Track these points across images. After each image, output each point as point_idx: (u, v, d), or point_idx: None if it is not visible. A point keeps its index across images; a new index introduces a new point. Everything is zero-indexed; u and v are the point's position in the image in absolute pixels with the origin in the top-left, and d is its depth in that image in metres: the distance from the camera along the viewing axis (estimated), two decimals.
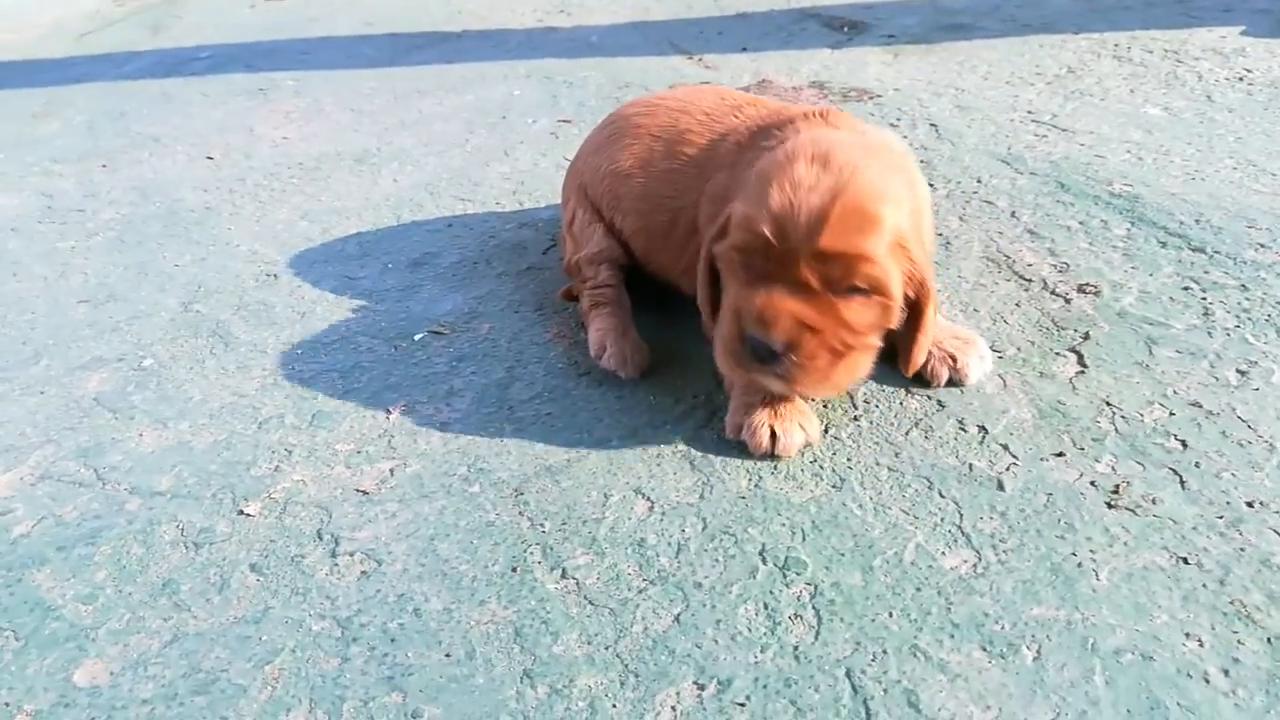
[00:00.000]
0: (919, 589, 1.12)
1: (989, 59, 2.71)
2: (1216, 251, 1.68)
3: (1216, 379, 1.39)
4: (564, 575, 1.18)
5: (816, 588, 1.14)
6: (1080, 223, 1.82)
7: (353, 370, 1.61)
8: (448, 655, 1.09)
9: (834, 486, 1.28)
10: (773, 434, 1.32)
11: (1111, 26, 2.81)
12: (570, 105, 2.78)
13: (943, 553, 1.17)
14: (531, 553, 1.22)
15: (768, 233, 1.23)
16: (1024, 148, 2.16)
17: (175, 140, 2.80)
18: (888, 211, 1.23)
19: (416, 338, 1.69)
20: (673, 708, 1.01)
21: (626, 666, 1.06)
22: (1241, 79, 2.34)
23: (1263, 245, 1.68)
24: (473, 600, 1.16)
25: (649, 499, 1.29)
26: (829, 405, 1.43)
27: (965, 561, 1.16)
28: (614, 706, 1.02)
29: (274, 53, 3.64)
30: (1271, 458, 1.25)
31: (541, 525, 1.26)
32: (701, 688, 1.03)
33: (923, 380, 1.44)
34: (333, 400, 1.54)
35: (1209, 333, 1.48)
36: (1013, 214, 1.89)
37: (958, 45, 2.85)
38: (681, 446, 1.38)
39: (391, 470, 1.38)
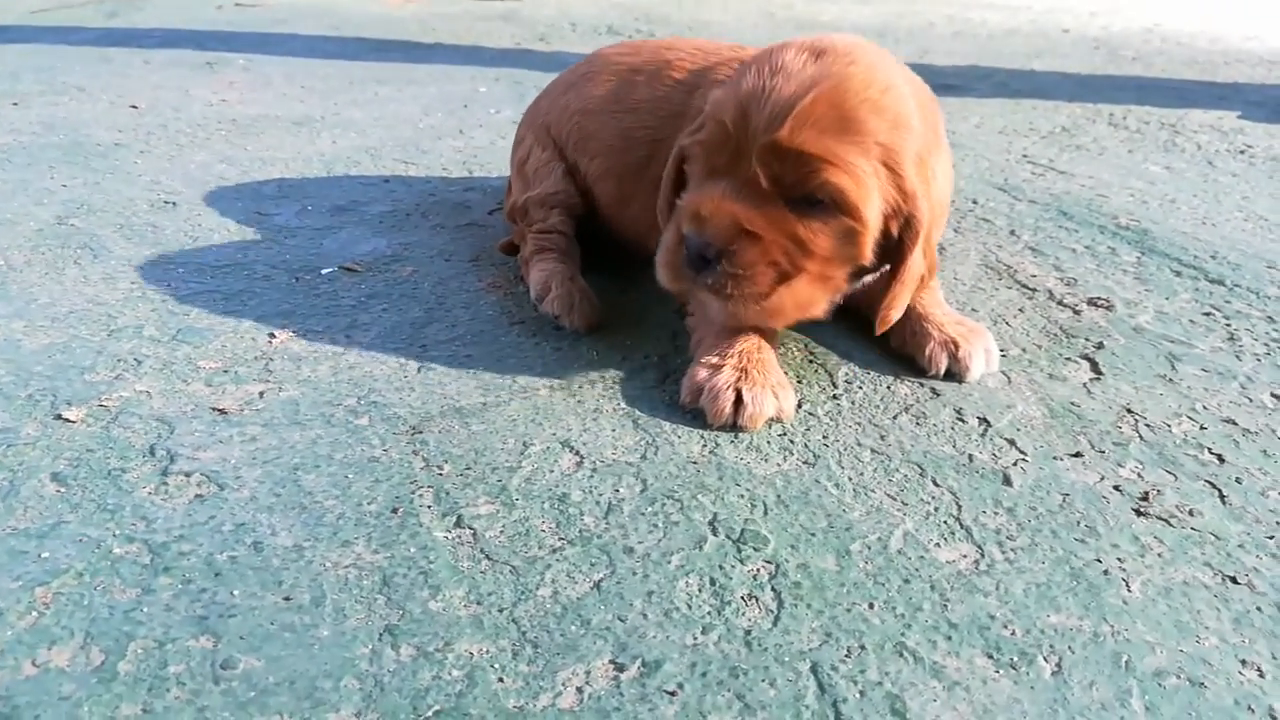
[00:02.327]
0: (907, 580, 0.88)
1: (981, 113, 2.60)
2: (1237, 285, 1.51)
3: (1250, 399, 1.19)
4: (458, 524, 0.92)
5: (778, 567, 0.89)
6: (1086, 247, 1.65)
7: (240, 294, 1.35)
8: (287, 599, 0.82)
9: (805, 462, 1.04)
10: (738, 399, 1.08)
11: (1105, 100, 2.73)
12: None
13: (937, 544, 0.93)
14: (421, 495, 0.95)
15: (727, 120, 1.02)
16: (1021, 181, 2.01)
17: (101, 91, 2.55)
18: (875, 120, 1.02)
19: (325, 272, 1.44)
20: (579, 689, 0.75)
21: (524, 634, 0.80)
22: (1243, 152, 2.24)
23: None
24: (334, 540, 0.89)
25: (578, 453, 1.04)
26: (804, 380, 1.20)
27: (965, 556, 0.92)
28: (500, 680, 0.75)
29: (231, 38, 3.43)
30: None
31: (439, 468, 1.00)
32: (620, 668, 0.77)
33: (916, 367, 1.22)
34: (208, 317, 1.27)
35: (1237, 356, 1.29)
36: (1012, 232, 1.71)
37: (948, 100, 2.74)
38: (624, 405, 1.13)
39: (261, 393, 1.11)
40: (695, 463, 1.03)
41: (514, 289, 1.41)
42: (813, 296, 1.07)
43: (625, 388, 1.17)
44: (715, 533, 0.93)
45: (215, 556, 0.86)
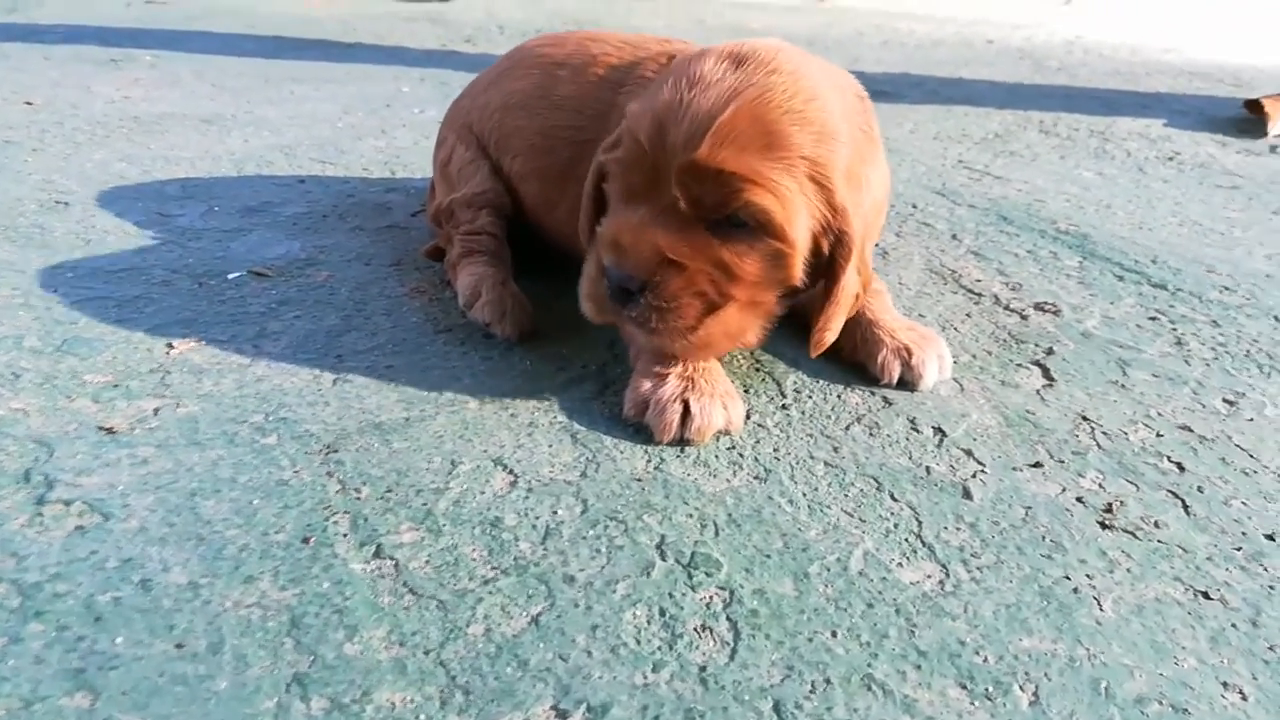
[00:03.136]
0: (870, 605, 0.81)
1: (914, 119, 2.58)
2: (1179, 289, 1.49)
3: (1203, 405, 1.16)
4: (378, 554, 0.83)
5: (733, 594, 0.81)
6: (1028, 251, 1.62)
7: (135, 301, 1.23)
8: (179, 646, 0.71)
9: (756, 478, 0.97)
10: (685, 411, 1.01)
11: (1035, 108, 2.74)
12: None
13: (899, 564, 0.87)
14: (335, 522, 0.86)
15: (643, 138, 0.95)
16: (959, 186, 1.98)
17: None
18: (800, 134, 0.95)
19: (231, 277, 1.32)
20: None
21: (453, 679, 0.71)
22: (1171, 159, 2.26)
23: (1227, 289, 1.50)
24: (235, 575, 0.79)
25: (511, 472, 0.95)
26: (752, 389, 1.13)
27: (929, 577, 0.86)
28: None
29: (139, 35, 3.26)
30: None
31: (356, 491, 0.90)
32: (563, 715, 0.69)
33: (867, 375, 1.17)
34: (98, 326, 1.15)
35: (1186, 360, 1.27)
36: (954, 236, 1.68)
37: (882, 106, 2.72)
38: (561, 418, 1.05)
39: (156, 410, 1.00)
40: (639, 480, 0.95)
41: (440, 295, 1.32)
42: (743, 324, 1.01)
43: (562, 400, 1.08)
44: (663, 557, 0.85)
45: (96, 598, 0.75)
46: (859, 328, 1.16)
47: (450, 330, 1.22)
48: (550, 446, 1.00)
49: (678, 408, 0.99)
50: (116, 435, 0.95)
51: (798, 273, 1.00)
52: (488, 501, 0.91)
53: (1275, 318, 1.40)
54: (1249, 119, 2.61)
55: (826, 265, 1.01)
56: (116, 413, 0.99)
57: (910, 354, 1.14)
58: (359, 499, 0.89)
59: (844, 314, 1.06)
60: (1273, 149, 2.39)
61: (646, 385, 1.02)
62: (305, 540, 0.83)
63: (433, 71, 2.88)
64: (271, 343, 1.15)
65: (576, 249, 1.35)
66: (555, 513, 0.90)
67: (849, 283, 1.02)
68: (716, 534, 0.89)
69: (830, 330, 1.05)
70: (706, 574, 0.83)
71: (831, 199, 0.98)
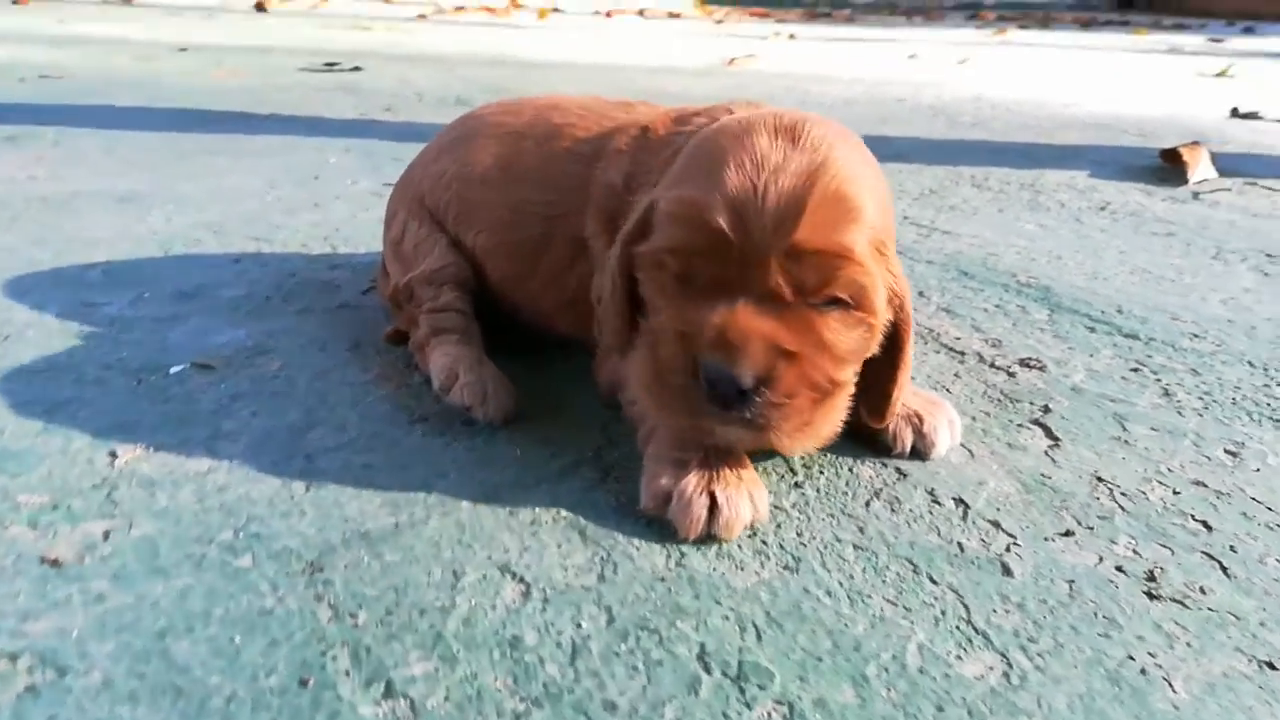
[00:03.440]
0: (940, 709, 0.74)
1: None
2: (1151, 338, 1.49)
3: (1208, 458, 1.14)
4: (389, 692, 0.72)
5: (792, 708, 0.73)
6: (996, 305, 1.61)
7: (67, 405, 1.10)
8: None
9: (786, 568, 0.90)
10: (712, 505, 0.93)
11: (963, 163, 2.79)
12: (398, 174, 2.40)
13: (957, 656, 0.80)
14: (335, 657, 0.75)
15: (724, 225, 0.88)
16: (912, 242, 1.98)
17: None
18: (871, 205, 0.94)
19: (173, 371, 1.20)
20: None
21: None
22: (1103, 209, 2.31)
23: (1196, 335, 1.51)
24: None
25: (522, 580, 0.86)
26: (762, 469, 1.06)
27: (991, 669, 0.79)
28: None
29: (37, 111, 3.07)
30: None
31: (353, 616, 0.80)
32: None
33: (874, 445, 1.11)
34: (27, 437, 1.02)
35: (1179, 412, 1.25)
36: (921, 294, 1.66)
37: None
38: (565, 513, 0.96)
39: (107, 533, 0.88)
40: (663, 579, 0.87)
41: (408, 380, 1.22)
42: (843, 408, 0.96)
43: (562, 491, 1.00)
44: (708, 670, 0.77)
45: None
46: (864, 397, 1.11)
47: (426, 419, 1.12)
48: (559, 547, 0.91)
49: (704, 501, 0.91)
50: (63, 568, 0.82)
51: (876, 345, 0.98)
52: (502, 617, 0.81)
53: (1249, 363, 1.41)
54: (1165, 168, 2.71)
55: (889, 334, 1.00)
56: (60, 540, 0.86)
57: (922, 421, 1.09)
58: (357, 626, 0.78)
59: (907, 380, 1.06)
60: (1195, 196, 2.47)
61: (666, 475, 0.94)
62: (303, 682, 0.72)
63: (357, 141, 2.78)
64: (229, 445, 1.04)
65: (550, 325, 1.27)
66: (579, 625, 0.81)
67: (909, 349, 1.02)
68: (759, 637, 0.81)
69: (899, 395, 1.05)
70: (759, 686, 0.75)
71: (890, 265, 0.97)
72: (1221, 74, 5.16)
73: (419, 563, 0.87)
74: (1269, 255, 1.96)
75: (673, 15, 7.83)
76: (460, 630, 0.79)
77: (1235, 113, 3.90)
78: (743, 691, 0.75)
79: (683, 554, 0.91)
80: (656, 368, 0.92)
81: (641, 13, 7.96)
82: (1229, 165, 2.73)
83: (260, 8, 6.47)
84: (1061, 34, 8.03)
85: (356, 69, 4.27)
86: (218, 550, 0.86)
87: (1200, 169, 2.63)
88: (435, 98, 3.70)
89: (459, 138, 1.36)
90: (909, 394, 1.12)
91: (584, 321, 1.23)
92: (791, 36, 6.16)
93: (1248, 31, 9.01)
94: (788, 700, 0.74)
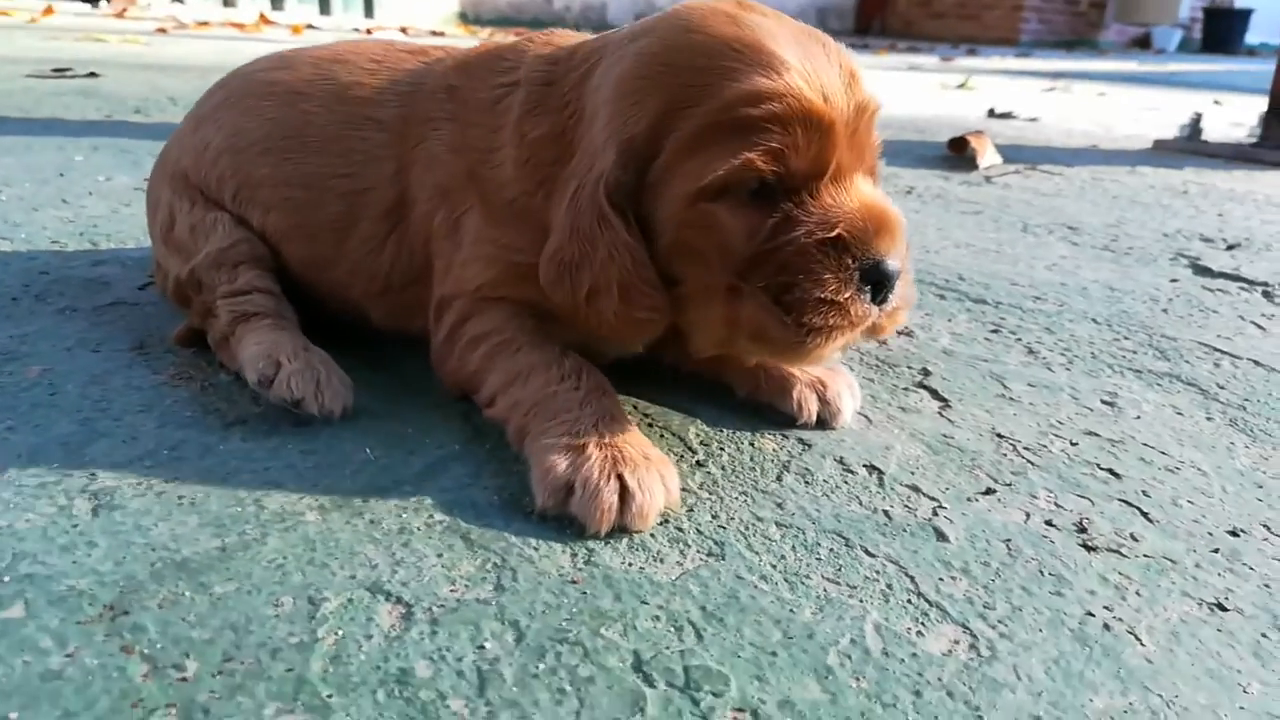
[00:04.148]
0: (918, 693, 0.64)
1: None
2: (1000, 303, 1.49)
3: (1091, 410, 1.12)
4: None
5: (756, 714, 0.61)
6: None
7: None
8: None
9: (710, 555, 0.77)
10: (622, 491, 0.78)
11: None
12: None
13: (918, 633, 0.70)
14: None
15: (821, 104, 0.82)
16: None
17: None
18: None
19: None
20: None
21: None
22: (909, 192, 2.36)
23: (1038, 299, 1.52)
24: None
25: (400, 600, 0.68)
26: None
27: (957, 643, 0.70)
28: None
29: None
30: (1211, 481, 0.97)
31: (178, 669, 0.59)
32: None
33: (773, 416, 1.01)
34: None
35: (1048, 368, 1.24)
36: None
37: None
38: (440, 516, 0.79)
39: None
40: (574, 582, 0.72)
41: (213, 379, 1.00)
42: None
43: (430, 493, 0.82)
44: (650, 682, 0.62)
45: None
46: (760, 365, 1.01)
47: (244, 421, 0.91)
48: (440, 556, 0.73)
49: (613, 487, 0.77)
50: None
51: None
52: (381, 648, 0.63)
53: (1094, 320, 1.43)
54: (952, 157, 2.83)
55: None
56: None
57: (825, 387, 1.00)
58: (186, 680, 0.58)
59: None
60: (988, 179, 2.58)
61: (562, 463, 0.79)
62: None
63: (106, 140, 2.43)
64: None
65: (360, 312, 1.09)
66: (481, 647, 0.64)
67: None
68: (699, 637, 0.67)
69: None
70: (714, 694, 0.62)
71: None
72: (963, 86, 5.57)
73: (260, 591, 0.67)
74: (1070, 228, 2.05)
75: (435, 34, 7.61)
76: (329, 671, 0.61)
77: (992, 113, 4.19)
78: (695, 702, 0.61)
79: (590, 550, 0.76)
80: (764, 303, 0.83)
81: (404, 30, 7.69)
82: (1005, 155, 2.88)
83: None
84: None
85: (93, 74, 3.80)
86: None
87: (988, 155, 2.76)
88: (191, 100, 3.29)
89: (223, 102, 1.14)
90: None
91: (403, 312, 1.06)
92: None
93: (972, 53, 9.88)
94: (749, 706, 0.61)
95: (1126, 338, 1.36)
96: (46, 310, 1.16)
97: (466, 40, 7.44)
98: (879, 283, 0.83)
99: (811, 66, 0.83)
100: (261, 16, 7.64)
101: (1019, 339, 1.33)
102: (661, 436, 0.96)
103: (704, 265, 0.85)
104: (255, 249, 1.07)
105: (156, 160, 1.22)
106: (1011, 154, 2.95)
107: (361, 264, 1.05)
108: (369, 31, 7.31)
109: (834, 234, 0.81)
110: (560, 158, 0.90)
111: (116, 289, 1.25)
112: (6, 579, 0.65)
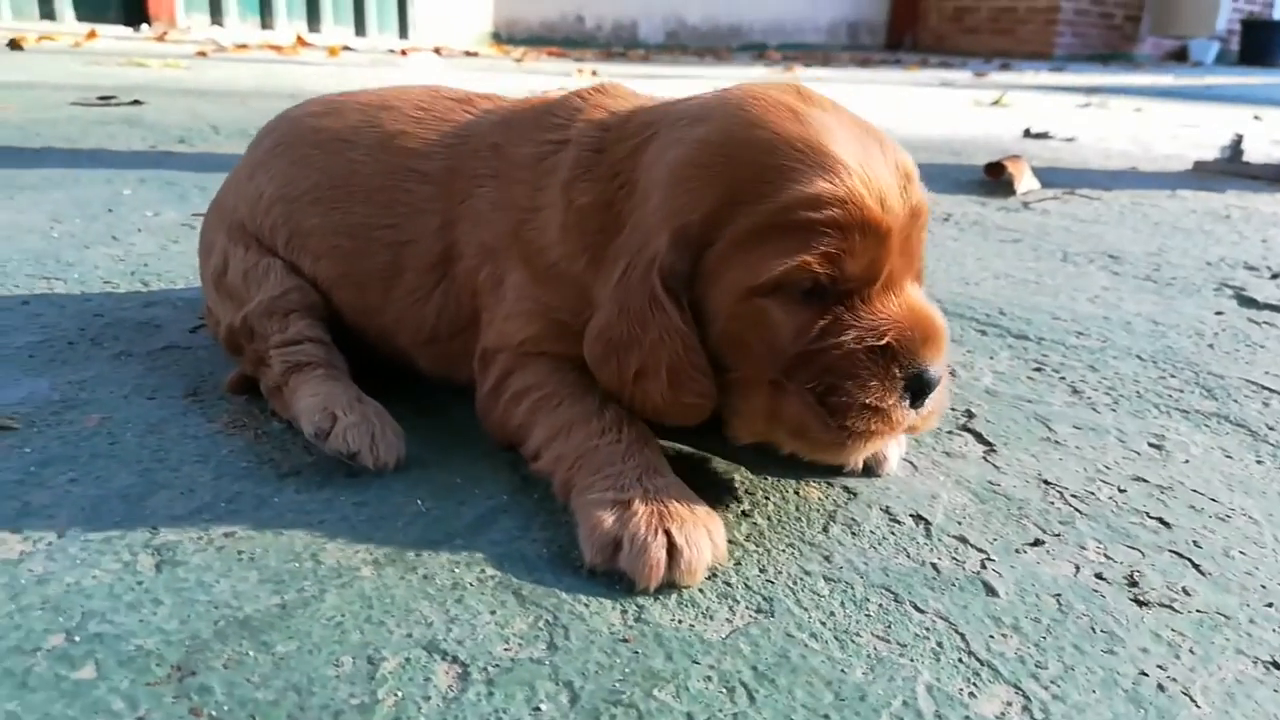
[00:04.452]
0: None
1: None
2: (1042, 338, 1.48)
3: (1138, 453, 1.11)
4: None
5: None
6: None
7: None
8: None
9: (759, 611, 0.78)
10: (670, 547, 0.79)
11: None
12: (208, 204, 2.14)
13: (970, 694, 0.70)
14: None
15: (877, 210, 0.82)
16: None
17: None
18: None
19: None
20: None
21: None
22: (947, 219, 2.35)
23: (1081, 334, 1.51)
24: None
25: (456, 659, 0.69)
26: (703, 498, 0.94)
27: (1009, 705, 0.70)
28: None
29: None
30: (1263, 530, 0.96)
31: None
32: None
33: (811, 465, 1.01)
34: None
35: (1093, 409, 1.23)
36: None
37: None
38: (491, 571, 0.80)
39: None
40: (625, 641, 0.73)
41: (266, 427, 1.02)
42: None
43: (481, 546, 0.83)
44: None
45: None
46: None
47: (299, 472, 0.93)
48: (494, 614, 0.74)
49: (661, 543, 0.77)
50: None
51: None
52: (439, 710, 0.64)
53: (1138, 357, 1.42)
54: (989, 181, 2.81)
55: None
56: None
57: None
58: None
59: None
60: (1026, 205, 2.56)
61: (609, 519, 0.80)
62: None
63: (153, 173, 2.48)
64: (43, 523, 0.81)
65: (408, 359, 1.11)
66: (537, 709, 0.65)
67: None
68: (752, 698, 0.68)
69: None
70: None
71: None
72: (997, 103, 5.54)
73: (320, 651, 0.69)
74: (1112, 256, 2.04)
75: (469, 54, 7.70)
76: None
77: (1028, 133, 4.16)
78: None
79: (640, 607, 0.77)
80: (808, 402, 0.84)
81: (438, 50, 7.78)
82: (1042, 178, 2.86)
83: (15, 45, 5.84)
84: (843, 71, 8.45)
85: (137, 102, 3.88)
86: (47, 661, 0.65)
87: (1025, 180, 2.74)
88: (233, 129, 3.39)
89: (273, 148, 1.17)
90: None
91: (450, 361, 1.08)
92: (594, 73, 6.17)
93: (1005, 67, 9.82)
94: None
95: (1172, 375, 1.35)
96: (102, 355, 1.19)
97: (499, 59, 7.55)
98: (920, 391, 0.85)
99: (870, 170, 0.83)
100: (299, 38, 7.76)
101: (1062, 377, 1.33)
102: (705, 486, 0.97)
103: (750, 357, 0.86)
104: (307, 297, 1.09)
105: (211, 205, 1.25)
106: (1049, 177, 2.93)
107: (408, 313, 1.07)
108: (403, 53, 7.41)
109: (883, 342, 0.83)
110: (606, 228, 0.91)
111: (169, 332, 1.28)
112: (77, 638, 0.68)
